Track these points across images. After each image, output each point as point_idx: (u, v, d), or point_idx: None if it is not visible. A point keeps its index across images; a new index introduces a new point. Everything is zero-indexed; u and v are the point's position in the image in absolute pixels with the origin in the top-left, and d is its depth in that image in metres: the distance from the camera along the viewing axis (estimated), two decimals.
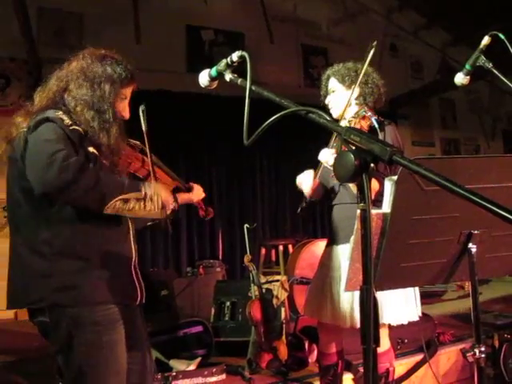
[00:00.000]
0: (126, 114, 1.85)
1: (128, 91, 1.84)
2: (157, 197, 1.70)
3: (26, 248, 1.65)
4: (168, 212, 1.79)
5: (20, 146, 1.63)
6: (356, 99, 2.32)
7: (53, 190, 1.52)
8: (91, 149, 1.68)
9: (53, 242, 1.62)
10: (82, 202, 1.58)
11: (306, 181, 2.38)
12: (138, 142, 2.03)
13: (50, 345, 1.71)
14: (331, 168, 2.18)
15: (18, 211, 1.68)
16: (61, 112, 1.66)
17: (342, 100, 2.32)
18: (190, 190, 2.17)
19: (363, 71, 2.23)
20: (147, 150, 1.98)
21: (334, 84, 2.40)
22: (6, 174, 1.72)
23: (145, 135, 2.00)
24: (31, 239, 1.64)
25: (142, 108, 2.03)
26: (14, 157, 1.66)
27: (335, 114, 2.35)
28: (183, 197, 2.10)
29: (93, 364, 1.64)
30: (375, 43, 2.19)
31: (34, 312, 1.69)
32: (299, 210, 2.44)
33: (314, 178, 2.36)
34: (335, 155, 2.13)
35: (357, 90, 2.31)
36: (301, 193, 2.44)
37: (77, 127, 1.65)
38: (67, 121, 1.64)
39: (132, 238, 1.82)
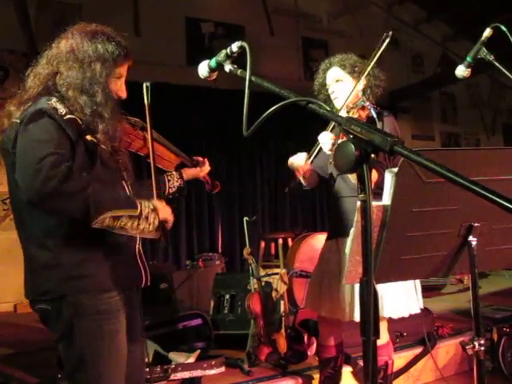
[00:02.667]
0: (123, 94, 1.74)
1: (123, 69, 1.71)
2: (153, 216, 1.63)
3: (30, 242, 1.64)
4: (166, 228, 1.72)
5: (11, 138, 1.54)
6: (362, 90, 2.30)
7: (38, 199, 1.45)
8: (89, 137, 1.59)
9: (55, 235, 1.59)
10: (67, 212, 1.53)
11: (297, 161, 2.35)
12: (138, 120, 1.94)
13: (51, 333, 1.69)
14: (329, 153, 2.16)
15: (19, 205, 1.63)
16: (54, 99, 1.56)
17: (349, 90, 2.27)
18: (196, 165, 2.14)
19: (376, 58, 2.21)
20: (148, 127, 1.87)
21: (339, 73, 2.34)
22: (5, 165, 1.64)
23: (146, 110, 1.89)
24: (35, 232, 1.61)
25: (146, 84, 1.89)
26: (7, 148, 1.58)
27: (339, 103, 2.30)
28: (189, 172, 2.10)
29: (93, 352, 1.62)
30: (390, 33, 2.19)
31: (34, 300, 1.66)
32: (287, 189, 2.45)
33: (307, 160, 2.32)
34: (333, 141, 2.11)
35: (363, 82, 2.29)
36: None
37: (72, 116, 1.56)
38: (61, 109, 1.54)
39: None
